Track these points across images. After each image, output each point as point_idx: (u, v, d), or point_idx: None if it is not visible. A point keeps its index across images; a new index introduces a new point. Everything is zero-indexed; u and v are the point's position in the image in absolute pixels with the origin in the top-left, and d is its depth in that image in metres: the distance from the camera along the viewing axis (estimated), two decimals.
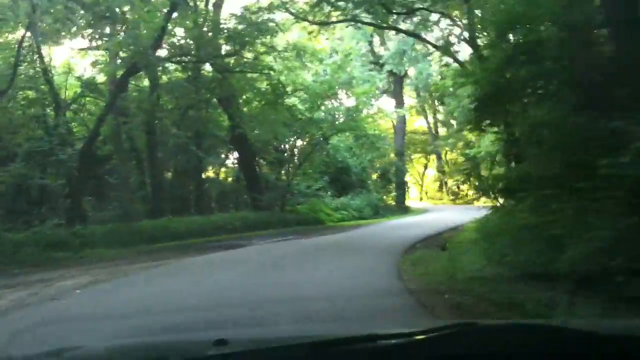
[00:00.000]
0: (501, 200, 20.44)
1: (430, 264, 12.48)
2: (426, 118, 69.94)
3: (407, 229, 24.31)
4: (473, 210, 42.38)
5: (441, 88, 34.38)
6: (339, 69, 30.05)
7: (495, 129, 16.38)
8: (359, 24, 26.59)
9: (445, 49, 25.01)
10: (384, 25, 25.87)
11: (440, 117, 71.53)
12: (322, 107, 31.65)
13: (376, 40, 48.55)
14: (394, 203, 45.15)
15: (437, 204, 62.91)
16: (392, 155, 47.07)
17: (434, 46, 27.25)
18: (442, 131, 72.95)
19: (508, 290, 8.22)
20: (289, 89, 28.89)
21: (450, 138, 67.63)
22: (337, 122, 32.55)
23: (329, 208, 34.02)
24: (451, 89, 38.15)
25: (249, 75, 28.48)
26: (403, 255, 14.86)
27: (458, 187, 68.02)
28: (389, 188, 46.04)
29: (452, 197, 69.27)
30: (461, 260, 11.86)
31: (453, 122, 70.23)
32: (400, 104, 49.07)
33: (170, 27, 23.09)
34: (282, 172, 33.59)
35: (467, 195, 69.37)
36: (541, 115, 10.72)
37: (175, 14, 22.99)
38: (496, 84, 11.45)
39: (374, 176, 44.73)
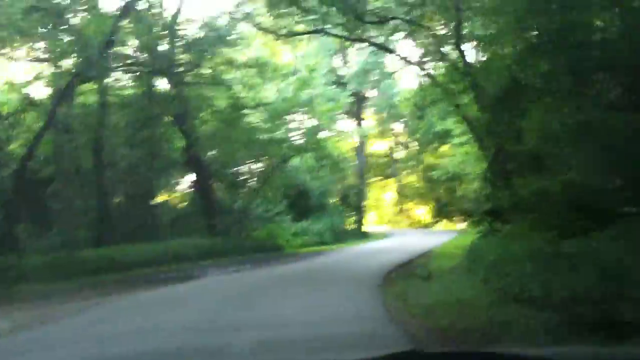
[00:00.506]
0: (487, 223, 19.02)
1: (421, 297, 10.83)
2: (385, 140, 68.81)
3: (374, 256, 22.75)
4: (434, 235, 41.70)
5: (414, 103, 32.98)
6: (304, 85, 28.47)
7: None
8: (327, 37, 25.13)
9: (420, 62, 23.67)
10: (353, 37, 24.35)
11: (400, 139, 70.86)
12: (284, 127, 30.07)
13: (338, 61, 47.43)
14: (354, 227, 43.71)
15: (396, 228, 61.76)
16: (353, 178, 45.75)
17: (406, 60, 25.85)
18: (400, 154, 72.13)
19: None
20: (249, 106, 27.22)
21: (411, 160, 67.03)
22: (298, 142, 30.84)
23: (288, 233, 32.31)
24: (417, 108, 37.73)
25: (206, 92, 26.86)
26: (383, 287, 13.16)
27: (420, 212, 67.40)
28: (349, 212, 44.47)
29: (410, 221, 68.20)
30: (462, 293, 10.32)
31: (414, 143, 70.18)
32: (360, 124, 47.87)
33: (121, 34, 21.24)
34: (240, 195, 31.71)
35: (423, 219, 68.92)
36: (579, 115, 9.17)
37: (127, 20, 21.17)
38: (514, 80, 9.96)
39: (334, 199, 43.04)
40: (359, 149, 46.70)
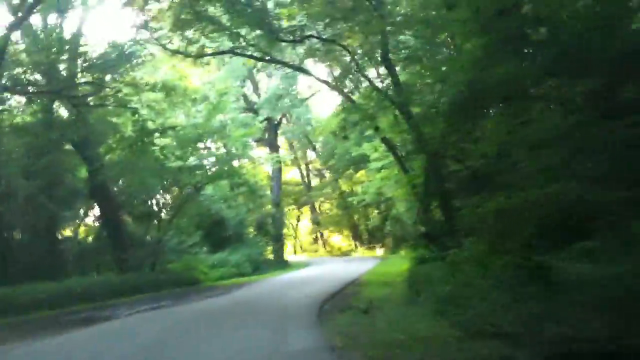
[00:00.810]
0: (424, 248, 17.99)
1: (369, 334, 9.43)
2: (300, 167, 67.76)
3: (301, 287, 21.25)
4: (355, 262, 40.65)
5: (331, 129, 31.90)
6: (215, 110, 26.86)
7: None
8: (239, 57, 23.73)
9: (337, 84, 22.59)
10: (267, 58, 23.05)
11: (315, 166, 70.05)
12: (196, 154, 28.29)
13: (249, 89, 46.18)
14: (273, 257, 42.10)
15: (314, 257, 60.59)
16: (269, 206, 44.23)
17: (322, 81, 24.76)
18: (315, 182, 71.26)
19: None
20: (157, 132, 25.39)
21: (326, 187, 66.15)
22: (211, 169, 29.09)
23: (205, 265, 30.40)
24: (333, 134, 36.75)
25: (111, 116, 24.88)
26: (320, 323, 11.66)
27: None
28: (267, 241, 42.77)
29: (328, 249, 67.09)
30: (416, 329, 8.99)
31: (326, 172, 69.55)
32: (275, 152, 46.51)
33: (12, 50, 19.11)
34: (152, 227, 29.55)
35: (341, 247, 68.05)
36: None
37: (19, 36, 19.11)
38: (478, 82, 8.86)
39: (251, 229, 41.24)
40: (275, 177, 45.28)
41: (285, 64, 24.49)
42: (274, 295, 19.15)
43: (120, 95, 22.59)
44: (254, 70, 43.98)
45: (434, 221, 16.09)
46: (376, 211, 65.64)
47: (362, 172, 55.00)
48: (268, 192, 43.26)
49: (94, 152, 24.55)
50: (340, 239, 71.76)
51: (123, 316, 15.93)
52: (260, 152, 44.91)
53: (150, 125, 24.95)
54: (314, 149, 65.41)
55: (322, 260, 48.71)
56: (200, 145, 28.18)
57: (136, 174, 25.55)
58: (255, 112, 40.37)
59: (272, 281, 27.08)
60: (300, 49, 22.25)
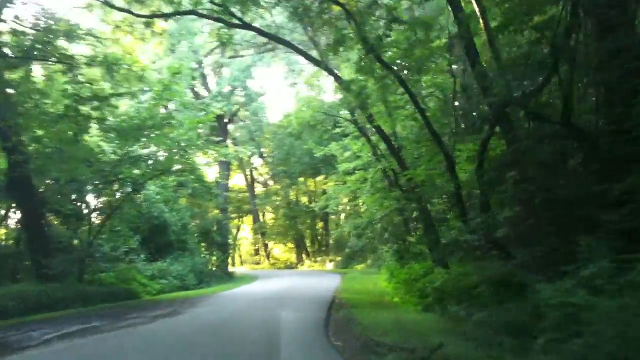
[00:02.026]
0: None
1: None
2: (244, 173, 63.51)
3: (269, 307, 17.26)
4: (309, 276, 36.80)
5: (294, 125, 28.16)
6: (165, 91, 22.59)
7: None
8: (198, 20, 19.72)
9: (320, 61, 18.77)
10: (233, 22, 19.00)
11: (262, 171, 66.07)
12: (137, 145, 23.88)
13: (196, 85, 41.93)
14: (217, 268, 37.81)
15: (257, 269, 56.45)
16: (216, 211, 39.98)
17: (302, 53, 20.80)
18: (260, 189, 67.30)
19: None
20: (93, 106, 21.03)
21: (273, 195, 62.24)
22: (156, 162, 24.71)
23: (144, 276, 26.00)
24: (295, 132, 33.06)
25: (37, 96, 20.30)
26: None
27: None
28: (211, 250, 38.44)
29: (272, 262, 63.04)
30: None
31: (270, 180, 65.67)
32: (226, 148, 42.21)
33: None
34: (81, 230, 24.97)
35: (286, 259, 64.10)
36: None
37: None
38: None
39: (195, 236, 36.81)
40: (222, 178, 41.00)
41: (260, 32, 20.52)
42: (248, 319, 14.83)
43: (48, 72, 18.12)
44: (203, 62, 40.05)
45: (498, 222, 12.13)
46: (321, 222, 62.81)
47: (320, 177, 51.71)
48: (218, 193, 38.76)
49: (14, 138, 19.98)
50: (281, 251, 68.00)
51: (40, 343, 11.63)
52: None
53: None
54: (261, 155, 61.35)
55: (268, 273, 44.55)
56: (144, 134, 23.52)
57: (64, 167, 21.08)
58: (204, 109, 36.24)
59: (226, 297, 22.88)
60: (280, 16, 18.35)
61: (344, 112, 28.34)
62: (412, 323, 12.07)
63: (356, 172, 30.11)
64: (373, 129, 27.02)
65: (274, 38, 21.02)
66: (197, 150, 25.15)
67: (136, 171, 23.58)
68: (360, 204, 37.72)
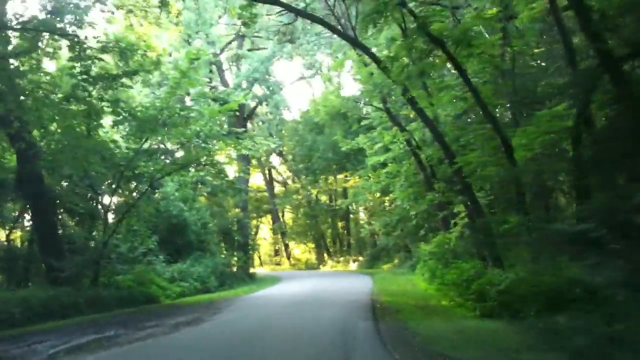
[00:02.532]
0: None
1: None
2: (263, 172, 61.86)
3: (301, 312, 15.62)
4: (338, 277, 34.97)
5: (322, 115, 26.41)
6: (183, 78, 20.86)
7: None
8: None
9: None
10: None
11: (283, 170, 64.44)
12: (156, 138, 22.25)
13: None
14: (239, 270, 36.07)
15: (279, 270, 54.67)
16: (237, 209, 38.30)
17: (336, 31, 18.96)
18: (282, 188, 65.63)
19: None
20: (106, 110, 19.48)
21: (294, 194, 60.54)
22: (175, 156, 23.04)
23: (163, 279, 24.31)
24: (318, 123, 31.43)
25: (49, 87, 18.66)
26: None
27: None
28: (232, 251, 36.72)
29: (293, 262, 61.30)
30: None
31: (289, 179, 64.01)
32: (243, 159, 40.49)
33: None
34: (97, 230, 23.39)
35: (307, 260, 62.24)
36: None
37: None
38: None
39: (215, 236, 35.07)
40: (243, 173, 39.26)
41: (286, 6, 18.75)
42: (286, 328, 12.90)
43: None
44: (220, 56, 38.40)
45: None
46: (341, 222, 61.04)
47: (343, 174, 49.89)
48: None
49: (24, 130, 18.36)
50: (301, 252, 66.27)
51: (44, 358, 9.97)
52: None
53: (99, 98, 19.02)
54: (280, 153, 59.61)
55: (291, 274, 42.64)
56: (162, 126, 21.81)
57: (78, 160, 19.47)
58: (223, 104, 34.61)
59: (252, 300, 21.12)
60: None
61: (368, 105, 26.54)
62: (481, 333, 10.26)
63: (389, 165, 28.29)
64: (405, 118, 25.32)
65: (302, 14, 19.17)
66: (218, 142, 23.23)
67: (153, 166, 21.89)
68: (388, 200, 35.98)
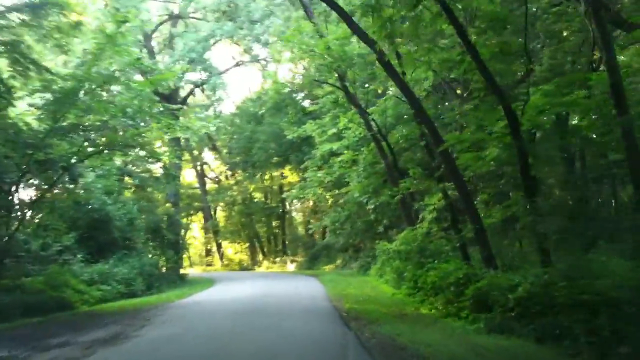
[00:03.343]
0: None
1: None
2: (196, 167, 58.34)
3: (255, 323, 12.55)
4: (279, 280, 31.70)
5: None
6: (108, 43, 17.45)
7: None
8: None
9: None
10: None
11: (216, 165, 60.74)
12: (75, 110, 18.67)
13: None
14: (169, 271, 32.61)
15: (211, 271, 51.22)
16: (168, 204, 34.84)
17: None
18: (214, 184, 62.08)
19: None
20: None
21: (228, 191, 57.16)
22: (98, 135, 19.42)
23: (80, 281, 20.78)
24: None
25: None
26: None
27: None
28: (161, 250, 33.16)
29: (226, 263, 57.92)
30: None
31: (222, 175, 60.63)
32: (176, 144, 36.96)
33: None
34: (4, 224, 19.68)
35: (241, 260, 59.01)
36: None
37: None
38: None
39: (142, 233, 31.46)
40: (175, 167, 35.85)
41: None
42: (255, 348, 9.76)
43: None
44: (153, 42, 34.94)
45: None
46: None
47: (287, 167, 46.82)
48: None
49: None
50: (234, 252, 62.92)
51: None
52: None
53: None
54: (214, 147, 56.11)
55: (225, 275, 39.23)
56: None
57: None
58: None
59: (188, 308, 17.87)
60: None
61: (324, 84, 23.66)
62: (505, 355, 7.57)
63: (345, 153, 25.50)
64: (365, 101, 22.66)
65: None
66: (149, 122, 19.84)
67: (69, 148, 18.36)
68: (330, 196, 33.20)
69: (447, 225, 18.80)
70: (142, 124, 19.52)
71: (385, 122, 22.10)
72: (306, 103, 35.67)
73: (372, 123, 21.86)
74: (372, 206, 24.58)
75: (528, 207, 11.83)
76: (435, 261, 15.73)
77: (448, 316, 12.00)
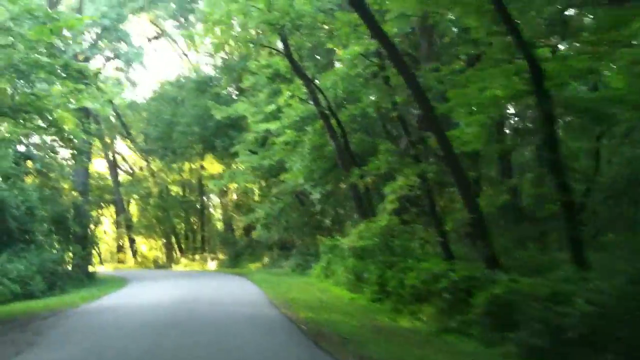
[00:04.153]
0: None
1: None
2: (107, 156, 53.84)
3: (193, 340, 9.37)
4: (199, 278, 27.71)
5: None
6: None
7: None
8: None
9: None
10: None
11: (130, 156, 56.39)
12: None
13: None
14: (71, 268, 28.62)
15: (122, 269, 47.16)
16: (74, 193, 30.78)
17: None
18: (128, 176, 57.73)
19: None
20: None
21: (143, 182, 53.13)
22: None
23: None
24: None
25: None
26: None
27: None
28: (68, 245, 29.16)
29: (140, 260, 53.81)
30: None
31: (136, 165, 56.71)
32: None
33: None
34: None
35: (155, 257, 55.14)
36: None
37: None
38: None
39: (45, 225, 27.39)
40: (84, 153, 31.95)
41: None
42: None
43: None
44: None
45: None
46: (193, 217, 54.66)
47: (209, 156, 43.12)
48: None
49: None
50: (149, 248, 58.87)
51: None
52: None
53: None
54: (128, 134, 51.79)
55: (139, 274, 35.38)
56: None
57: None
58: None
59: (97, 315, 14.32)
60: None
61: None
62: None
63: (286, 132, 22.33)
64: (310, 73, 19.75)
65: None
66: (50, 82, 16.16)
67: None
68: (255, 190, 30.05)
69: (410, 217, 16.25)
70: (41, 85, 15.85)
71: (336, 96, 19.30)
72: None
73: (321, 98, 18.96)
74: (318, 195, 21.65)
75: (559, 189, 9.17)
76: (409, 260, 13.00)
77: (447, 332, 9.24)
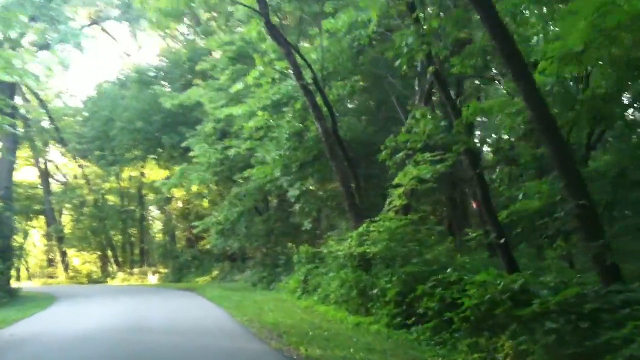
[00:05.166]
0: None
1: None
2: (38, 163, 49.18)
3: None
4: (142, 294, 21.47)
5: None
6: None
7: None
8: None
9: None
10: None
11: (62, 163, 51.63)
12: None
13: None
14: None
15: (52, 284, 43.01)
16: None
17: None
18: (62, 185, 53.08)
19: None
20: None
21: (75, 191, 48.62)
22: None
23: None
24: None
25: None
26: None
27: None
28: None
29: (72, 274, 49.11)
30: None
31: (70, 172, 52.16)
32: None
33: None
34: None
35: (89, 272, 50.52)
36: None
37: None
38: None
39: None
40: (7, 156, 27.82)
41: None
42: None
43: None
44: None
45: None
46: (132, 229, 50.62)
47: (151, 161, 39.14)
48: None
49: None
50: (82, 262, 54.23)
51: None
52: None
53: None
54: (61, 140, 46.99)
55: (71, 291, 31.10)
56: None
57: None
58: None
59: (9, 355, 10.42)
60: None
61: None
62: None
63: (258, 113, 18.63)
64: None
65: None
66: None
67: None
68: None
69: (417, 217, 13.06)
70: None
71: (322, 70, 15.89)
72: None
73: (305, 72, 15.50)
74: (297, 192, 18.00)
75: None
76: (454, 272, 9.63)
77: None
